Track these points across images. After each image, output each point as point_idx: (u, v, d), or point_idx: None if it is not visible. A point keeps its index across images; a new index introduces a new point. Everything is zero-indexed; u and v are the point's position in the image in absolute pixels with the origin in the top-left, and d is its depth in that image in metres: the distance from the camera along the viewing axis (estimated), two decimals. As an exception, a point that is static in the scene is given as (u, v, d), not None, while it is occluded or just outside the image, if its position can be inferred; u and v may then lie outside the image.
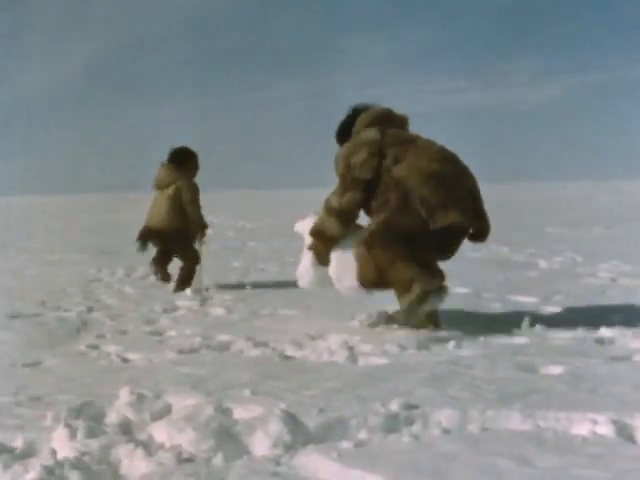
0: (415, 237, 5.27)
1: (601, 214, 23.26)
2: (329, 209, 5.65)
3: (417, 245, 5.28)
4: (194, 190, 8.59)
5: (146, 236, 8.64)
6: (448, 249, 5.63)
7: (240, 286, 8.51)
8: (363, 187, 5.49)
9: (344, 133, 5.88)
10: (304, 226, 5.96)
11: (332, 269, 5.68)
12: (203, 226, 8.63)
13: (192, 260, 8.58)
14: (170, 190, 8.50)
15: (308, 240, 5.83)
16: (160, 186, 8.66)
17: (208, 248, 9.13)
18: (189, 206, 8.48)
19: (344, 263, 5.55)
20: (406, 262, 5.27)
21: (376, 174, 5.45)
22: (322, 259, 5.76)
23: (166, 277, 8.68)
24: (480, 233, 5.65)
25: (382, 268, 5.34)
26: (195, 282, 8.42)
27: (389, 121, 5.77)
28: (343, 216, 5.60)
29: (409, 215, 5.27)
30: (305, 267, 5.90)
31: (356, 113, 5.86)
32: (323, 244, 5.70)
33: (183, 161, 8.71)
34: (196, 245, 8.65)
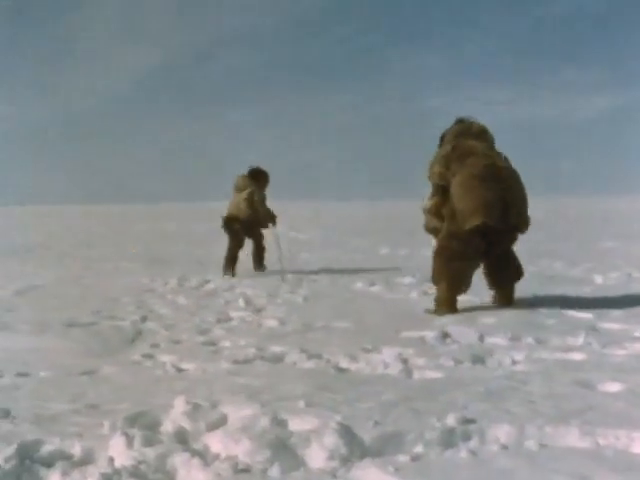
0: (464, 242, 7.04)
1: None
2: (425, 210, 7.53)
3: (461, 260, 7.11)
4: (262, 196, 12.08)
5: (227, 220, 12.07)
6: (493, 247, 7.20)
7: (292, 297, 8.53)
8: (442, 191, 7.29)
9: (442, 136, 7.72)
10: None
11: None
12: (273, 217, 12.03)
13: (260, 240, 12.18)
14: (245, 193, 11.93)
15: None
16: (238, 189, 12.08)
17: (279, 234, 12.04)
18: (259, 205, 11.92)
19: None
20: (444, 285, 7.18)
21: (447, 181, 7.23)
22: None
23: (233, 273, 11.47)
24: (515, 229, 7.28)
25: (437, 277, 7.28)
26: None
27: (467, 135, 7.52)
28: (434, 214, 7.43)
29: (455, 220, 7.09)
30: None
31: (456, 123, 7.71)
32: (435, 233, 7.52)
33: (255, 175, 12.23)
34: (272, 232, 11.91)
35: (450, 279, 7.15)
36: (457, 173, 7.16)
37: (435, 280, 7.31)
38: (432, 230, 7.61)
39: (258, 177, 12.19)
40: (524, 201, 7.29)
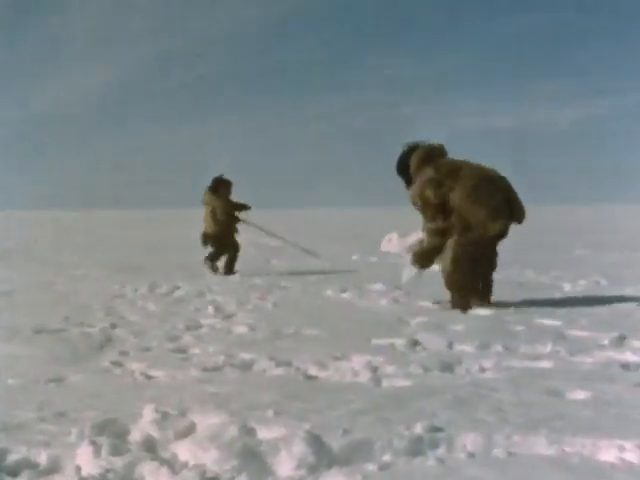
0: (479, 247, 7.74)
1: (626, 237, 23.11)
2: (432, 231, 7.94)
3: (478, 264, 7.80)
4: (224, 206, 12.81)
5: (203, 237, 12.98)
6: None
7: (262, 304, 8.51)
8: (440, 210, 7.79)
9: (402, 169, 8.18)
10: (392, 244, 8.50)
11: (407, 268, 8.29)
12: (244, 206, 13.07)
13: (232, 251, 12.90)
14: (209, 208, 12.87)
15: (406, 252, 8.29)
16: (205, 205, 12.99)
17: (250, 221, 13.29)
18: (222, 217, 12.77)
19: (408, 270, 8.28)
20: (462, 291, 7.79)
21: (444, 198, 7.75)
22: (425, 263, 8.12)
23: (215, 268, 12.70)
24: (518, 222, 8.02)
25: (453, 284, 7.81)
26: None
27: (434, 155, 8.03)
28: (441, 232, 7.85)
29: (471, 231, 7.69)
30: (407, 270, 8.26)
31: (409, 151, 8.12)
32: (430, 255, 8.02)
33: (217, 187, 12.97)
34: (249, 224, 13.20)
35: (472, 284, 7.84)
36: (455, 188, 7.74)
37: (455, 287, 7.78)
38: (431, 250, 8.01)
39: (218, 188, 13.00)
40: (516, 193, 8.06)
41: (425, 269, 8.20)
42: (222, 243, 12.91)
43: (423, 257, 8.08)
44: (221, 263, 12.96)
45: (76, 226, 43.06)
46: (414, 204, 8.03)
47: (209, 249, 13.03)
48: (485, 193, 7.79)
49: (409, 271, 8.22)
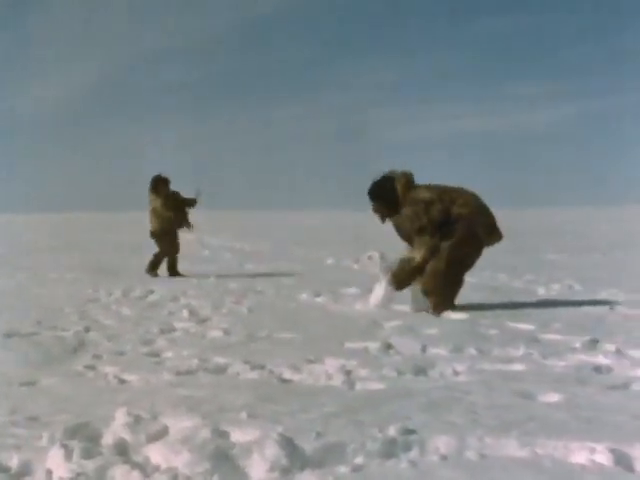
0: (468, 256, 8.06)
1: (600, 241, 23.27)
2: (432, 247, 7.96)
3: (463, 269, 8.13)
4: (164, 203, 13.26)
5: (151, 236, 13.50)
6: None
7: (237, 308, 8.49)
8: (439, 226, 7.96)
9: (381, 194, 8.37)
10: (373, 263, 8.49)
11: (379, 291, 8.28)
12: (185, 211, 13.53)
13: (172, 251, 13.41)
14: (151, 207, 13.44)
15: (384, 273, 8.19)
16: (149, 204, 13.50)
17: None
18: (166, 215, 13.27)
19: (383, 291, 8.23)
20: (447, 293, 7.97)
21: (445, 213, 7.97)
22: (402, 285, 8.18)
23: (155, 274, 13.09)
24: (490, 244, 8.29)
25: (441, 283, 7.92)
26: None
27: (412, 180, 8.32)
28: (434, 253, 7.99)
29: (473, 237, 7.99)
30: (379, 290, 8.24)
31: (389, 179, 8.33)
32: (411, 275, 8.09)
33: (156, 185, 13.47)
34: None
35: (457, 286, 8.09)
36: (456, 201, 8.07)
37: (443, 286, 7.93)
38: (415, 270, 8.05)
39: (157, 186, 13.49)
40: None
41: (400, 290, 8.18)
42: (164, 240, 13.37)
43: (404, 276, 8.11)
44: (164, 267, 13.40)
45: (47, 229, 42.80)
46: (411, 224, 8.08)
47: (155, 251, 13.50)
48: (483, 207, 8.24)
49: (382, 292, 8.20)
